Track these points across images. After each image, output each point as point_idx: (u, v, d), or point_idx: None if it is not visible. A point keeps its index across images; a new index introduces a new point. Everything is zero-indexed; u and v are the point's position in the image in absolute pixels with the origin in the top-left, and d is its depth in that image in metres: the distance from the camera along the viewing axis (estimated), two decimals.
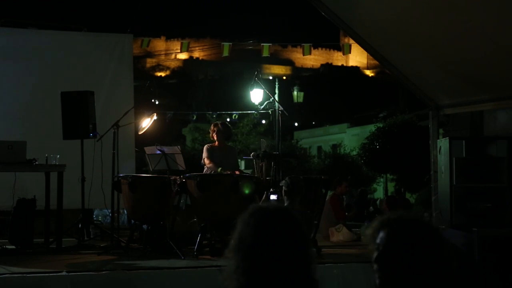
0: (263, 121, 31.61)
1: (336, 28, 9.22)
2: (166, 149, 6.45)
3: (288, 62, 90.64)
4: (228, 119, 15.89)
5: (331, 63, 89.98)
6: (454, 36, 6.57)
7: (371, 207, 15.89)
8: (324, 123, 49.56)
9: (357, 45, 8.12)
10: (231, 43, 10.38)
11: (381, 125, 21.38)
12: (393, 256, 1.67)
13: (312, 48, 10.37)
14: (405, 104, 30.83)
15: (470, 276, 5.28)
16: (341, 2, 7.35)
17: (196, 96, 66.16)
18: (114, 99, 8.93)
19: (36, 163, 6.56)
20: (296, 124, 53.23)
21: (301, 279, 1.66)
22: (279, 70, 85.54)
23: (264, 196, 6.29)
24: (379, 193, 31.11)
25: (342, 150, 32.35)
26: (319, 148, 39.74)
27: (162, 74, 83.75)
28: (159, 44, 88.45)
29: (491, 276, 5.59)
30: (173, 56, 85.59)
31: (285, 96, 30.11)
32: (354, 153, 27.56)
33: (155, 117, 7.53)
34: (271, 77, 61.14)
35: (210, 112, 15.35)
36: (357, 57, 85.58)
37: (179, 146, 7.12)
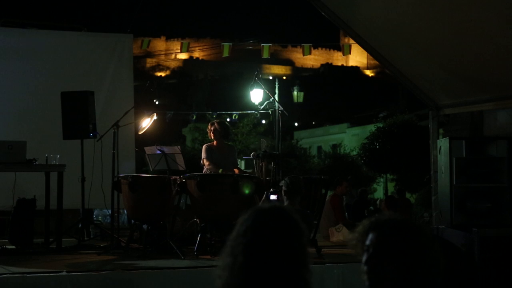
0: (263, 121, 31.60)
1: (336, 28, 9.22)
2: (166, 149, 6.45)
3: (288, 62, 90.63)
4: (228, 119, 15.85)
5: (331, 63, 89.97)
6: (454, 36, 6.57)
7: (371, 207, 15.89)
8: (324, 123, 49.58)
9: (357, 45, 8.12)
10: (231, 43, 10.37)
11: (381, 125, 21.38)
12: (383, 258, 1.69)
13: (312, 48, 10.34)
14: (405, 104, 30.87)
15: (470, 276, 5.29)
16: (341, 2, 7.34)
17: (196, 96, 66.12)
18: (114, 99, 8.94)
19: (36, 163, 6.56)
20: (296, 124, 53.24)
21: (292, 279, 1.67)
22: (279, 70, 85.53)
23: (264, 196, 6.29)
24: (379, 193, 31.10)
25: (342, 150, 32.32)
26: (319, 148, 39.72)
27: (162, 74, 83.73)
28: (159, 44, 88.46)
29: (491, 276, 5.59)
30: (173, 56, 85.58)
31: (285, 96, 30.14)
32: (354, 153, 27.56)
33: (155, 117, 7.53)
34: (271, 77, 61.14)
35: (210, 112, 15.31)
36: (357, 57, 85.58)
37: (179, 146, 7.12)
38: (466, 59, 6.87)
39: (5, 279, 4.59)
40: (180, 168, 6.46)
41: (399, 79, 8.11)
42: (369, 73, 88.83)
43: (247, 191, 6.12)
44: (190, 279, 4.97)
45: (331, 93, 71.63)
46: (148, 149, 6.64)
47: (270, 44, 10.11)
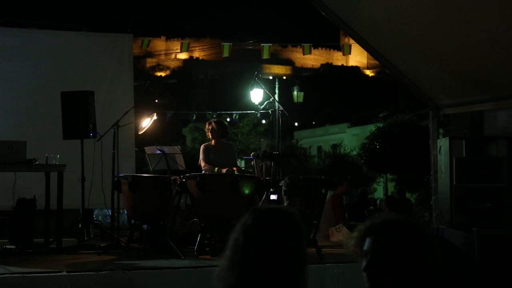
0: (263, 121, 31.57)
1: (336, 28, 9.23)
2: (166, 149, 6.45)
3: (288, 62, 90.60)
4: (228, 119, 15.86)
5: (331, 63, 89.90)
6: (454, 36, 6.57)
7: (371, 207, 15.88)
8: (324, 123, 49.57)
9: (357, 45, 8.12)
10: (231, 43, 10.37)
11: (381, 125, 21.35)
12: (382, 263, 1.68)
13: (312, 48, 10.35)
14: (405, 104, 30.87)
15: (470, 276, 5.28)
16: (341, 2, 7.35)
17: (196, 96, 66.16)
18: (114, 99, 8.93)
19: (36, 163, 6.56)
20: (296, 124, 53.23)
21: (290, 280, 1.67)
22: (279, 70, 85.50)
23: (264, 196, 6.29)
24: (379, 193, 31.10)
25: (342, 150, 32.33)
26: (319, 148, 39.71)
27: (162, 74, 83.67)
28: (159, 44, 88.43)
29: (491, 276, 5.59)
30: (173, 56, 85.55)
31: (285, 96, 30.16)
32: (354, 153, 27.55)
33: (155, 117, 7.53)
34: (271, 77, 61.10)
35: (210, 112, 15.30)
36: (357, 57, 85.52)
37: (179, 146, 7.12)
38: (466, 59, 6.87)
39: (5, 279, 4.59)
40: (180, 168, 6.46)
41: (399, 79, 8.12)
42: (369, 73, 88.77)
43: (247, 191, 6.12)
44: (190, 279, 4.96)
45: (331, 93, 71.58)
46: (148, 149, 6.64)
47: (270, 44, 10.11)
